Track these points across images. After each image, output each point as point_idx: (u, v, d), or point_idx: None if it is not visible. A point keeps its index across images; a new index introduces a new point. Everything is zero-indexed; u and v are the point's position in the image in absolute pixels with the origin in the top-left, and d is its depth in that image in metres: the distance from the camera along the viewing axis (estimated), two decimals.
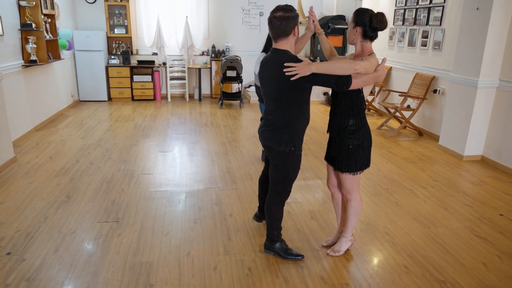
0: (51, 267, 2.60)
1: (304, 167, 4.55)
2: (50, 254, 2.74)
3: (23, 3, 5.42)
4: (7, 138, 4.36)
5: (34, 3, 5.52)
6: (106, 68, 7.99)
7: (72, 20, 7.75)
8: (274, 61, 2.36)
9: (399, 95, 6.26)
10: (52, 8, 6.28)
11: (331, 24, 8.09)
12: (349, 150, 2.53)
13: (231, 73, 7.73)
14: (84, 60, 7.77)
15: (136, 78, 8.13)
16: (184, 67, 8.37)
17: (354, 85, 2.33)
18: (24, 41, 5.50)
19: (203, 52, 8.64)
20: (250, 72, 8.30)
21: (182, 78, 8.55)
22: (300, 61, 2.28)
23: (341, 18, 8.33)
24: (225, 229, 3.15)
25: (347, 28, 2.50)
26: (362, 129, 2.52)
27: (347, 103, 2.49)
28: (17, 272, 2.54)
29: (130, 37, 8.22)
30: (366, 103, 7.32)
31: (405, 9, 6.54)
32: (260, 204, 3.10)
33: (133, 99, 8.29)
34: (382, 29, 2.47)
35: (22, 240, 2.90)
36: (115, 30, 8.09)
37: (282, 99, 2.40)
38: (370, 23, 2.42)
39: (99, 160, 4.60)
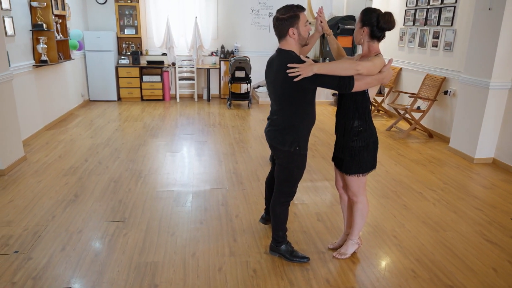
0: (58, 265, 2.61)
1: (312, 168, 4.52)
2: (56, 252, 2.76)
3: (34, 4, 5.48)
4: (17, 137, 4.41)
5: (45, 4, 5.59)
6: (116, 68, 8.05)
7: (83, 20, 7.83)
8: (278, 61, 2.37)
9: (409, 96, 6.19)
10: (63, 8, 6.35)
11: (341, 25, 8.04)
12: (354, 152, 2.50)
13: (239, 74, 7.73)
14: (94, 60, 7.84)
15: (145, 78, 8.18)
16: (193, 67, 8.39)
17: (357, 87, 2.30)
18: (35, 41, 5.56)
19: (212, 53, 8.65)
20: (259, 72, 8.29)
21: (191, 79, 8.57)
22: (303, 62, 2.27)
23: (351, 19, 8.27)
24: (231, 230, 3.14)
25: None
26: (367, 131, 2.49)
27: (352, 105, 2.47)
28: (24, 270, 2.56)
29: (140, 38, 8.27)
30: (375, 104, 7.26)
31: (415, 9, 6.47)
32: (267, 206, 3.08)
33: (142, 99, 8.34)
34: (390, 29, 2.42)
35: (30, 239, 2.92)
36: (125, 30, 8.15)
37: (286, 100, 2.39)
38: (377, 23, 2.39)
39: (108, 160, 4.63)
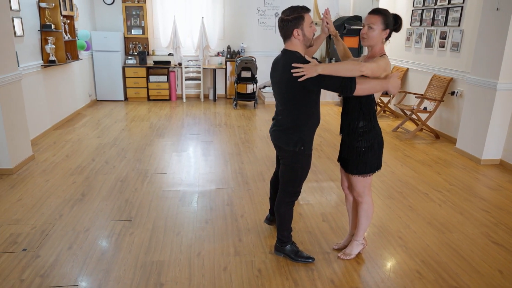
0: (65, 264, 2.65)
1: (318, 169, 4.53)
2: (64, 251, 2.79)
3: (43, 5, 5.55)
4: (25, 136, 4.47)
5: (53, 4, 5.65)
6: (123, 68, 8.11)
7: (90, 21, 7.89)
8: (283, 62, 2.38)
9: (416, 97, 6.16)
10: (71, 9, 6.41)
11: (347, 25, 8.02)
12: (359, 152, 2.51)
13: (246, 74, 7.75)
14: (101, 61, 7.91)
15: (152, 78, 8.23)
16: (200, 67, 8.43)
17: (361, 91, 2.30)
18: (44, 41, 5.62)
19: (218, 53, 8.68)
20: (265, 73, 8.29)
21: (197, 79, 8.60)
22: (307, 62, 2.28)
23: (357, 19, 8.25)
24: (236, 230, 3.16)
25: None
26: (372, 131, 2.49)
27: (357, 105, 2.47)
28: (32, 268, 2.60)
29: (147, 38, 8.32)
30: (382, 105, 7.23)
31: (422, 10, 6.44)
32: (272, 206, 3.09)
33: (149, 99, 8.39)
34: (398, 31, 2.48)
35: (38, 237, 2.96)
36: (132, 31, 8.20)
37: (291, 100, 2.41)
38: (394, 24, 2.41)
39: (114, 159, 4.67)
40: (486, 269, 2.71)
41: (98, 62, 7.91)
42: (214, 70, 8.44)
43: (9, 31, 4.13)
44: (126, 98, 8.37)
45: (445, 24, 5.86)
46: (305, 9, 2.37)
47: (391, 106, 7.40)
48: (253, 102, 8.11)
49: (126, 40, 8.33)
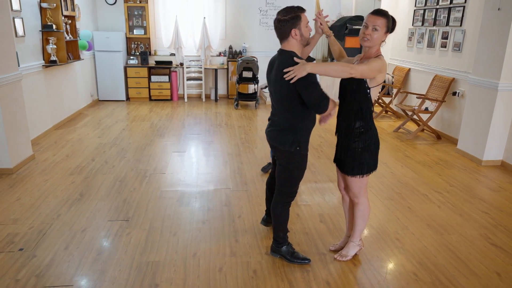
0: (61, 264, 2.65)
1: (317, 169, 4.51)
2: (60, 251, 2.80)
3: (44, 5, 5.57)
4: (26, 136, 4.49)
5: (55, 5, 5.67)
6: (125, 68, 8.13)
7: (92, 21, 7.92)
8: (278, 62, 2.38)
9: (417, 97, 6.13)
10: (73, 9, 6.43)
11: (349, 25, 7.99)
12: (355, 153, 2.49)
13: (247, 74, 7.75)
14: (103, 61, 7.93)
15: (153, 78, 8.24)
16: (201, 67, 8.43)
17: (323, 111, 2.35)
18: (45, 41, 5.64)
19: (220, 53, 8.68)
20: (266, 73, 8.27)
21: (199, 79, 8.61)
22: (296, 63, 2.27)
23: (359, 19, 8.21)
24: (233, 230, 3.15)
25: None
26: (368, 132, 2.47)
27: (354, 106, 2.46)
28: (28, 267, 2.60)
29: (149, 38, 8.34)
30: (384, 105, 7.20)
31: (424, 10, 6.40)
32: (268, 207, 3.08)
33: (150, 99, 8.40)
34: (391, 32, 2.46)
35: (35, 237, 2.97)
36: (134, 31, 8.22)
37: (285, 101, 2.40)
38: (392, 26, 2.40)
39: (114, 159, 4.68)
40: (483, 272, 2.69)
41: (100, 62, 7.94)
42: (216, 70, 8.44)
43: (9, 31, 4.15)
44: (128, 98, 8.39)
45: (447, 24, 5.82)
46: (301, 9, 2.37)
47: (392, 106, 7.36)
48: (254, 102, 8.10)
49: (128, 40, 8.35)
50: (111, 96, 8.20)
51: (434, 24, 6.15)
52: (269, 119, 2.67)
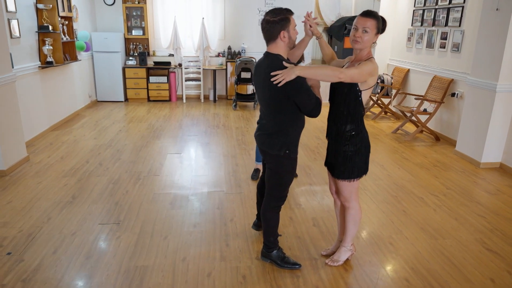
0: (48, 268, 2.62)
1: (312, 171, 4.47)
2: (48, 255, 2.77)
3: (40, 6, 5.55)
4: (20, 138, 4.46)
5: (51, 6, 5.65)
6: (123, 69, 8.11)
7: (91, 22, 7.90)
8: (265, 65, 2.33)
9: (415, 99, 6.07)
10: (69, 10, 6.41)
11: (348, 25, 7.93)
12: (345, 157, 2.45)
13: (245, 75, 7.71)
14: (102, 61, 7.91)
15: (152, 79, 8.22)
16: (200, 68, 8.40)
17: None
18: (41, 43, 5.63)
19: (218, 53, 8.64)
20: None
21: (198, 80, 8.57)
22: (285, 68, 2.23)
23: None
24: (224, 234, 3.11)
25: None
26: (359, 135, 2.43)
27: (345, 109, 2.41)
28: (14, 272, 2.58)
29: (147, 39, 8.31)
30: (383, 106, 7.14)
31: (423, 10, 6.34)
32: (259, 211, 3.04)
33: (149, 100, 8.38)
34: (382, 33, 2.41)
35: (24, 241, 2.94)
36: (133, 31, 8.19)
37: (274, 104, 2.36)
38: (382, 27, 2.34)
39: (108, 161, 4.65)
40: (477, 277, 2.64)
41: (98, 63, 7.92)
42: (214, 70, 8.41)
43: (3, 33, 4.13)
44: (126, 99, 8.37)
45: (446, 25, 5.76)
46: (290, 12, 2.34)
47: (391, 107, 7.30)
48: (253, 103, 8.06)
49: (127, 41, 8.33)
50: (109, 97, 8.18)
51: (433, 25, 6.09)
52: (257, 123, 2.63)
